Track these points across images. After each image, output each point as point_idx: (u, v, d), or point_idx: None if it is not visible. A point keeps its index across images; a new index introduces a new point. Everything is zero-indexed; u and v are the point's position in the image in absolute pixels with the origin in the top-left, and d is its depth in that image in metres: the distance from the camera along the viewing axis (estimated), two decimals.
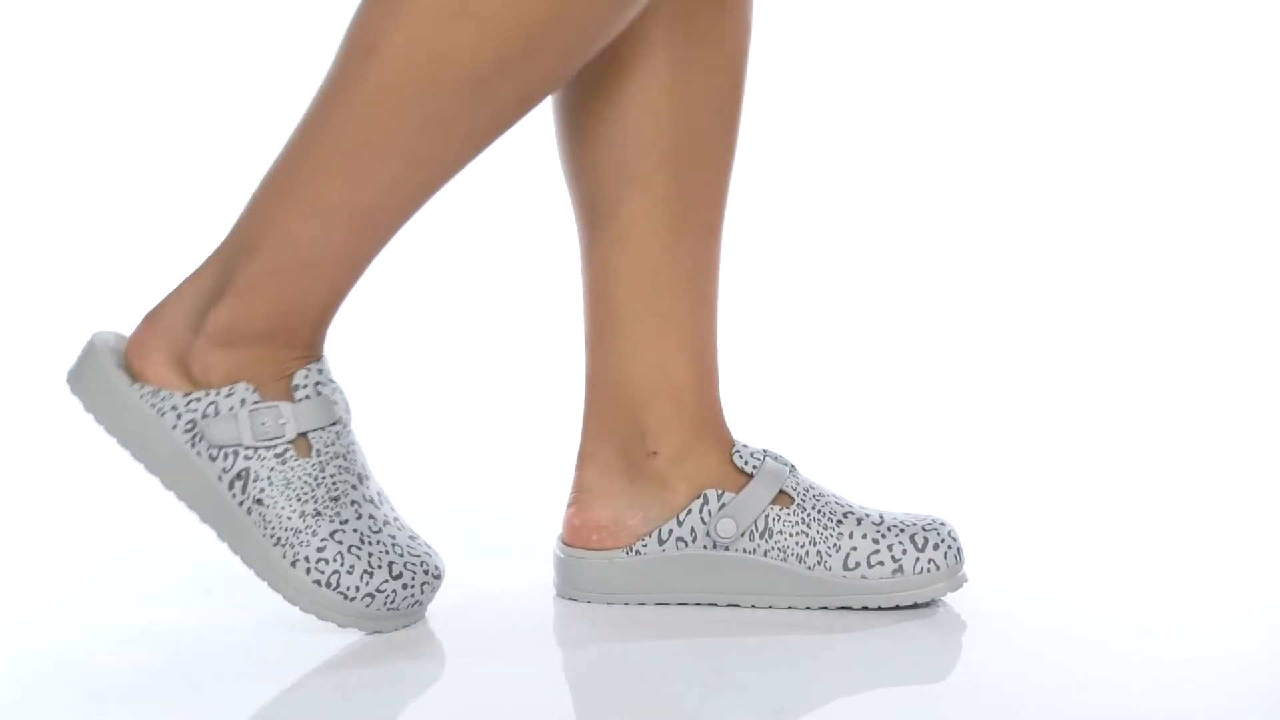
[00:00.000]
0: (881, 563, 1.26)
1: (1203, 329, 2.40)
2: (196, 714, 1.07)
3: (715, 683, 1.14)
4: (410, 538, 1.22)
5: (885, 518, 1.28)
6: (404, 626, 1.22)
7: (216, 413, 1.19)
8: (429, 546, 1.23)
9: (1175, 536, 1.55)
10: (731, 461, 1.29)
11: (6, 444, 1.94)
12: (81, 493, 1.70)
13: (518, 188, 2.37)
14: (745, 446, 1.29)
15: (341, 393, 1.22)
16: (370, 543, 1.19)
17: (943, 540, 1.27)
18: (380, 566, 1.19)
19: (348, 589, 1.18)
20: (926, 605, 1.27)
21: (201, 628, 1.23)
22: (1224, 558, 1.47)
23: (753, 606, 1.28)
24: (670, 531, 1.28)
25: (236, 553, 1.20)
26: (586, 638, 1.23)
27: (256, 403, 1.19)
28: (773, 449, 1.31)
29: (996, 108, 2.63)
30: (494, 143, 1.17)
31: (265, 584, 1.19)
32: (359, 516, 1.20)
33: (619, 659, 1.18)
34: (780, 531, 1.27)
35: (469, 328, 2.44)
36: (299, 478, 1.19)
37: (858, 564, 1.26)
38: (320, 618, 1.19)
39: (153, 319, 1.22)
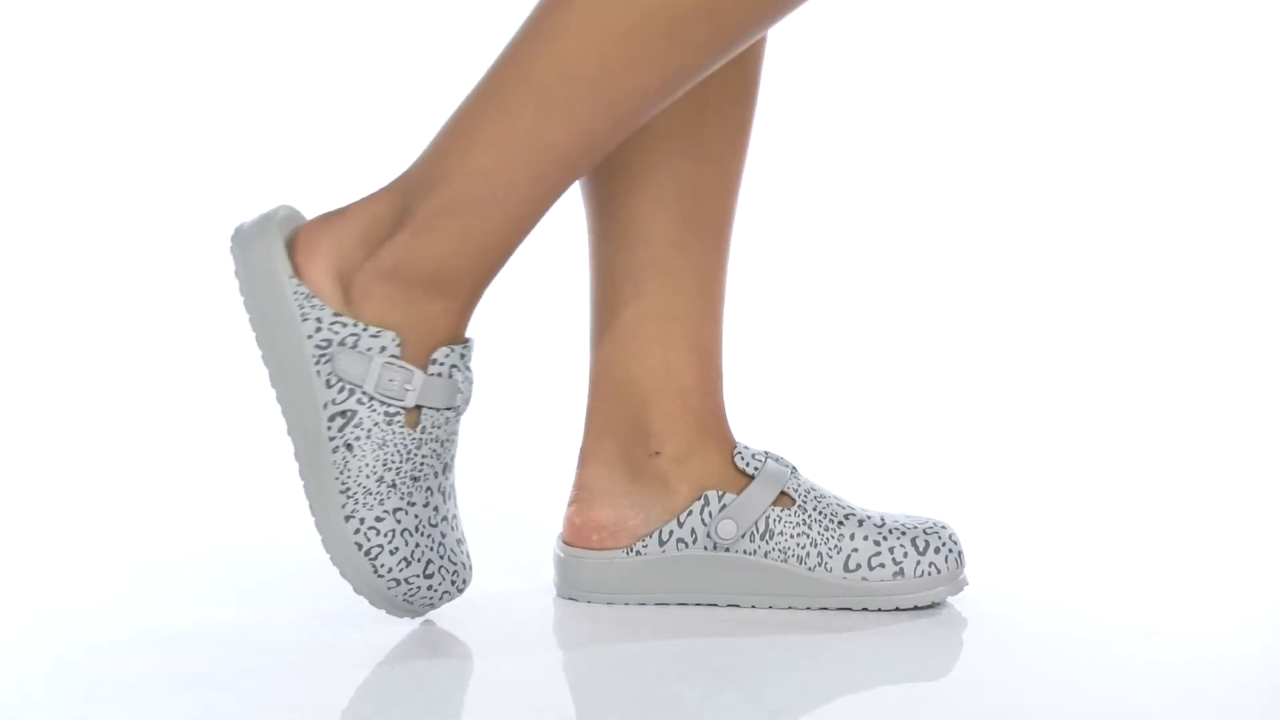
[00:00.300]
0: (882, 565, 1.26)
1: (1202, 330, 2.40)
2: (196, 714, 1.07)
3: (715, 683, 1.14)
4: (457, 541, 1.22)
5: (886, 520, 1.28)
6: (401, 618, 1.22)
7: (354, 346, 1.18)
8: (468, 557, 1.23)
9: (1176, 537, 1.55)
10: (733, 463, 1.29)
11: (8, 444, 1.94)
12: (82, 493, 1.70)
13: None
14: (747, 448, 1.29)
15: (471, 384, 1.22)
16: (422, 533, 1.19)
17: (944, 544, 1.27)
18: (418, 560, 1.19)
19: (380, 566, 1.18)
20: (927, 608, 1.27)
21: (200, 629, 1.23)
22: (1225, 558, 1.47)
23: (753, 607, 1.27)
24: (671, 532, 1.28)
25: (302, 477, 1.19)
26: (586, 638, 1.23)
27: (394, 357, 1.18)
28: (774, 451, 1.31)
29: (997, 110, 2.63)
30: (679, 93, 1.17)
31: (311, 518, 1.19)
32: (425, 504, 1.20)
33: (619, 659, 1.18)
34: (781, 533, 1.27)
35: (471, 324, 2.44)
36: (395, 444, 1.18)
37: (858, 566, 1.26)
38: (341, 575, 1.19)
39: (328, 224, 1.20)
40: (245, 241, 1.21)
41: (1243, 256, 2.52)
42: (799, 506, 1.27)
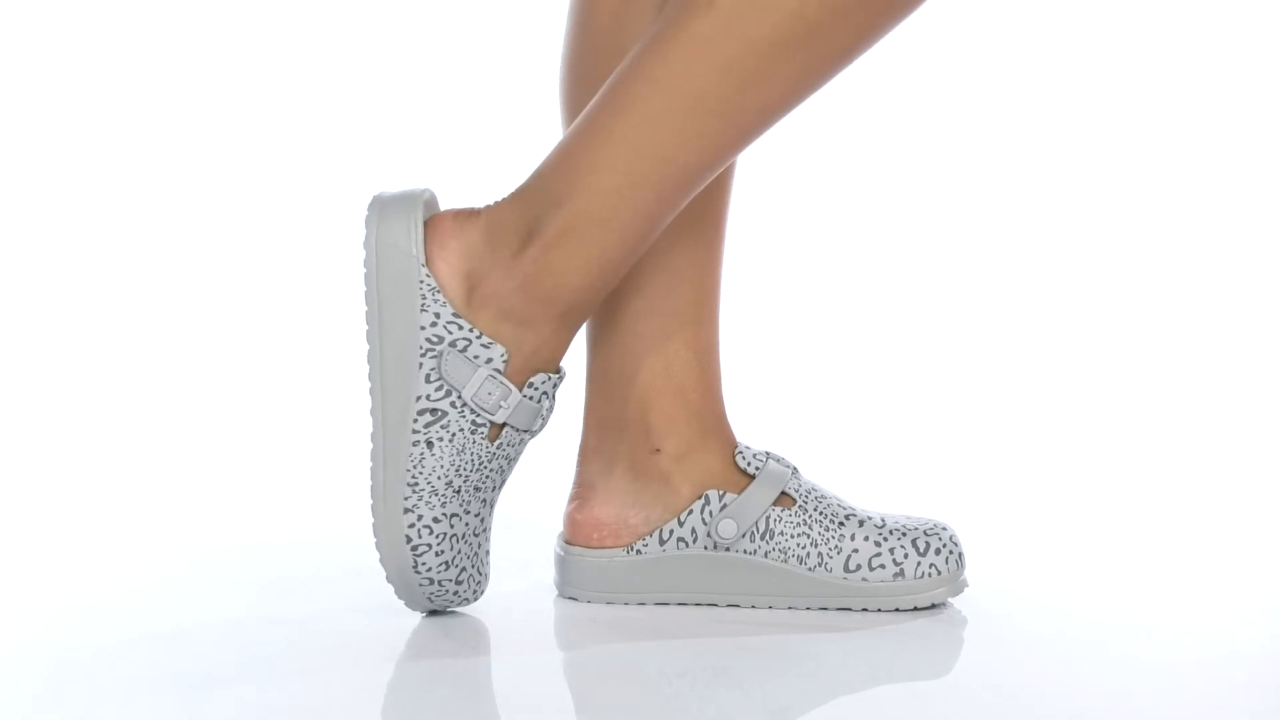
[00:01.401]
0: (883, 566, 1.26)
1: (1202, 330, 2.40)
2: (196, 714, 1.07)
3: (715, 683, 1.14)
4: (486, 553, 1.24)
5: (887, 521, 1.28)
6: (411, 610, 1.23)
7: (464, 350, 1.19)
8: (488, 570, 1.25)
9: (1176, 536, 1.55)
10: (734, 462, 1.29)
11: (11, 444, 1.94)
12: (81, 493, 1.70)
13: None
14: (748, 448, 1.29)
15: (551, 412, 1.23)
16: (466, 541, 1.21)
17: (944, 545, 1.27)
18: (455, 566, 1.21)
19: (421, 564, 1.20)
20: (927, 608, 1.27)
21: (200, 629, 1.23)
22: (1225, 557, 1.47)
23: (753, 607, 1.27)
24: (671, 531, 1.28)
25: (371, 458, 1.20)
26: (586, 638, 1.23)
27: (497, 371, 1.19)
28: (775, 451, 1.31)
29: (997, 111, 2.63)
30: (800, 104, 1.18)
31: (370, 500, 1.21)
32: (477, 516, 1.22)
33: (619, 659, 1.18)
34: (781, 533, 1.27)
35: None
36: (472, 453, 1.20)
37: (859, 566, 1.26)
38: (380, 559, 1.20)
39: (462, 222, 1.21)
40: (385, 213, 1.21)
41: (1242, 256, 2.52)
42: (799, 507, 1.27)
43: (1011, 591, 1.33)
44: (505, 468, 1.22)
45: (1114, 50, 2.64)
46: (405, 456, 1.19)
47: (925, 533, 1.27)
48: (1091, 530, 1.57)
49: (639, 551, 1.28)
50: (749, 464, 1.28)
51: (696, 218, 1.28)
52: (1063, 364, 2.31)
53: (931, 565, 1.26)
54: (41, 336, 2.32)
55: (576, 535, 1.30)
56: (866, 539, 1.26)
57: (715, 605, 1.28)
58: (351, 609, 1.25)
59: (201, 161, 2.55)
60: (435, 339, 1.19)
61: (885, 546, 1.26)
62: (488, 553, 1.25)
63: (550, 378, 1.21)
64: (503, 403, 1.20)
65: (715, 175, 1.20)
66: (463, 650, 1.19)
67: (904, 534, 1.27)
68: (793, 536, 1.26)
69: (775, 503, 1.27)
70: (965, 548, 1.30)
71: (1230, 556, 1.48)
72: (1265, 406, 2.13)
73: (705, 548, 1.27)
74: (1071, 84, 2.64)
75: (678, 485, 1.28)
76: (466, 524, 1.21)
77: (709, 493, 1.27)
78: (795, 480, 1.28)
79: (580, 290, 1.19)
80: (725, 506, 1.27)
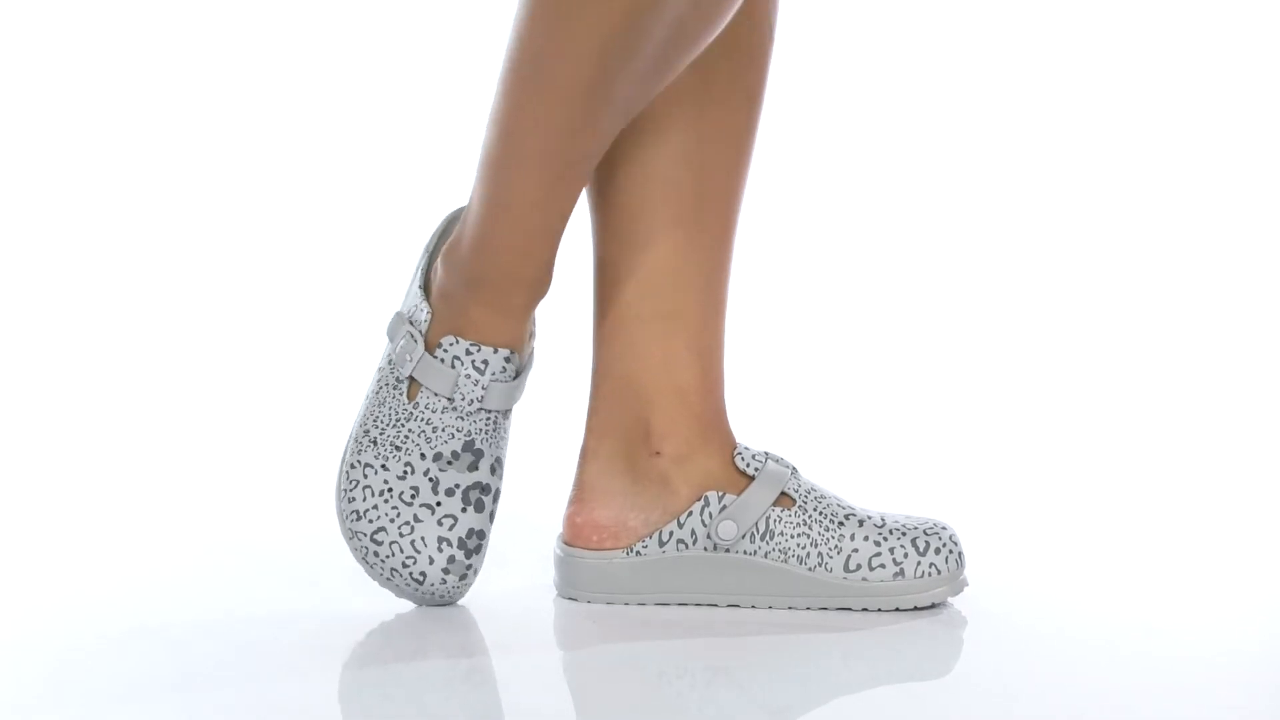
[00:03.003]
0: (883, 565, 1.26)
1: (1203, 328, 2.39)
2: (195, 714, 1.07)
3: (715, 683, 1.14)
4: (440, 540, 1.25)
5: (887, 520, 1.28)
6: (392, 596, 1.26)
7: (404, 310, 1.29)
8: (449, 568, 1.25)
9: (1176, 536, 1.55)
10: (733, 463, 1.29)
11: (9, 444, 1.94)
12: (81, 494, 1.70)
13: None
14: (747, 449, 1.29)
15: (484, 390, 1.25)
16: (387, 502, 1.26)
17: (944, 544, 1.27)
18: (369, 520, 1.26)
19: (339, 507, 1.27)
20: (927, 608, 1.27)
21: (199, 628, 1.23)
22: (1226, 557, 1.47)
23: (753, 607, 1.27)
24: (671, 533, 1.28)
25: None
26: (586, 638, 1.23)
27: (416, 332, 1.27)
28: (774, 451, 1.31)
29: (996, 110, 2.63)
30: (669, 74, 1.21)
31: None
32: (401, 478, 1.26)
33: (619, 659, 1.18)
34: (781, 533, 1.27)
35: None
36: (390, 407, 1.27)
37: (859, 566, 1.26)
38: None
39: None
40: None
41: (1242, 256, 2.52)
42: (799, 507, 1.27)
43: (1011, 591, 1.33)
44: (430, 436, 1.25)
45: (1114, 50, 2.64)
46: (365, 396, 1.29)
47: (925, 532, 1.27)
48: (1091, 530, 1.57)
49: (639, 553, 1.28)
50: (748, 465, 1.28)
51: (703, 222, 1.29)
52: (1061, 362, 2.31)
53: (931, 565, 1.26)
54: (40, 338, 2.32)
55: (576, 537, 1.30)
56: (866, 539, 1.26)
57: (715, 605, 1.28)
58: (350, 609, 1.25)
59: (198, 161, 2.55)
60: (403, 310, 1.29)
61: (885, 546, 1.26)
62: (442, 542, 1.25)
63: (460, 342, 1.24)
64: (408, 356, 1.25)
65: (602, 152, 1.23)
66: (462, 650, 1.19)
67: (904, 533, 1.27)
68: (792, 537, 1.26)
69: (775, 503, 1.28)
70: (965, 547, 1.30)
71: (1231, 556, 1.48)
72: (1265, 406, 2.13)
73: (705, 549, 1.27)
74: (1071, 83, 2.64)
75: (677, 487, 1.28)
76: (386, 482, 1.25)
77: (708, 494, 1.28)
78: (795, 480, 1.28)
79: (471, 262, 1.24)
80: (725, 508, 1.27)
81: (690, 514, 1.27)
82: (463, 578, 1.25)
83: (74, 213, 2.52)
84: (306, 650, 1.17)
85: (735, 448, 1.29)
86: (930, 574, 1.26)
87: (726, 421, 1.31)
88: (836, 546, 1.26)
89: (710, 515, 1.27)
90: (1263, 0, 2.61)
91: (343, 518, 1.26)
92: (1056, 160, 2.62)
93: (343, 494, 1.26)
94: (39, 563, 1.44)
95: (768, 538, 1.26)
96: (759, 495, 1.27)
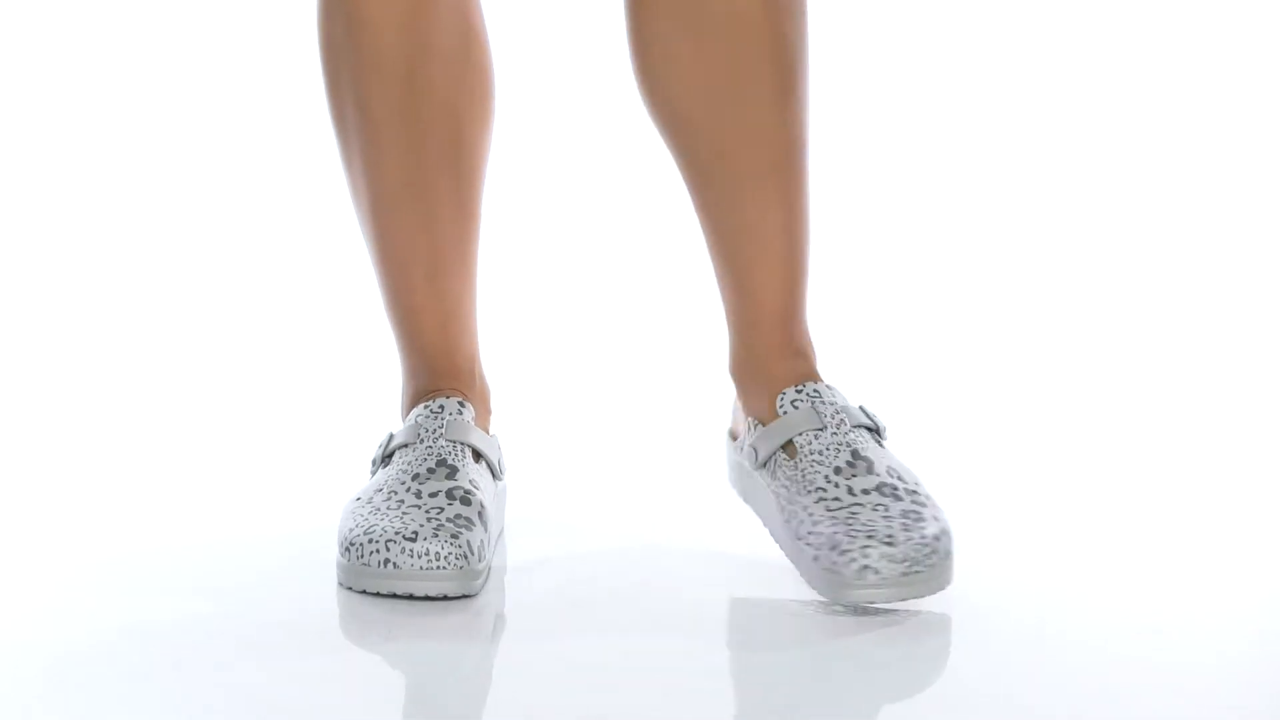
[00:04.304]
0: (830, 551, 1.24)
1: (1203, 327, 2.39)
2: (195, 713, 1.07)
3: (716, 683, 1.14)
4: (407, 518, 1.28)
5: (860, 514, 1.26)
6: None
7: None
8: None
9: (1177, 535, 1.54)
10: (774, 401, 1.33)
11: (8, 444, 1.94)
12: (80, 493, 1.70)
13: (526, 188, 2.38)
14: (800, 388, 1.33)
15: (442, 421, 1.37)
16: (363, 501, 1.32)
17: (912, 551, 1.23)
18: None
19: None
20: (869, 609, 1.26)
21: (199, 628, 1.23)
22: (1226, 556, 1.47)
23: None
24: (745, 442, 1.35)
25: None
26: (584, 637, 1.23)
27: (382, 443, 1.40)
28: (859, 406, 1.34)
29: (996, 110, 2.63)
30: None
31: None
32: (381, 497, 1.31)
33: (620, 658, 1.17)
34: (774, 477, 1.31)
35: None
36: (370, 482, 1.36)
37: (805, 538, 1.26)
38: None
39: None
40: None
41: (1242, 256, 2.52)
42: (795, 462, 1.30)
43: (1009, 591, 1.33)
44: (407, 468, 1.33)
45: (1114, 49, 2.64)
46: None
47: (893, 533, 1.24)
48: (1091, 529, 1.57)
49: (741, 449, 1.36)
50: (781, 406, 1.32)
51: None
52: (1061, 361, 2.31)
53: (870, 567, 1.23)
54: (38, 338, 2.32)
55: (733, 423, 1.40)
56: (821, 519, 1.26)
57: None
58: (348, 608, 1.25)
59: (198, 162, 2.55)
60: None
61: (830, 532, 1.25)
62: (433, 519, 1.28)
63: (427, 406, 1.39)
64: (390, 435, 1.40)
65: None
66: (462, 649, 1.19)
67: (868, 531, 1.24)
68: (781, 484, 1.30)
69: (784, 448, 1.31)
70: (946, 559, 1.25)
71: (1231, 556, 1.48)
72: (1265, 406, 2.13)
73: (749, 464, 1.34)
74: (1070, 85, 2.64)
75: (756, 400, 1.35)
76: (370, 502, 1.32)
77: (749, 419, 1.35)
78: (809, 436, 1.30)
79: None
80: (756, 433, 1.33)
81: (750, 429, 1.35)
82: (455, 536, 1.25)
83: (73, 213, 2.53)
84: (305, 649, 1.17)
85: (781, 389, 1.33)
86: (866, 575, 1.23)
87: (789, 354, 1.35)
88: (795, 513, 1.27)
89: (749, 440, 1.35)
90: (1263, 0, 2.62)
91: (340, 552, 1.29)
92: (1050, 159, 2.62)
93: (341, 543, 1.29)
94: (38, 563, 1.44)
95: (773, 474, 1.31)
96: (770, 436, 1.32)
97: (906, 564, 1.22)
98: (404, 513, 1.28)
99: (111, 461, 1.84)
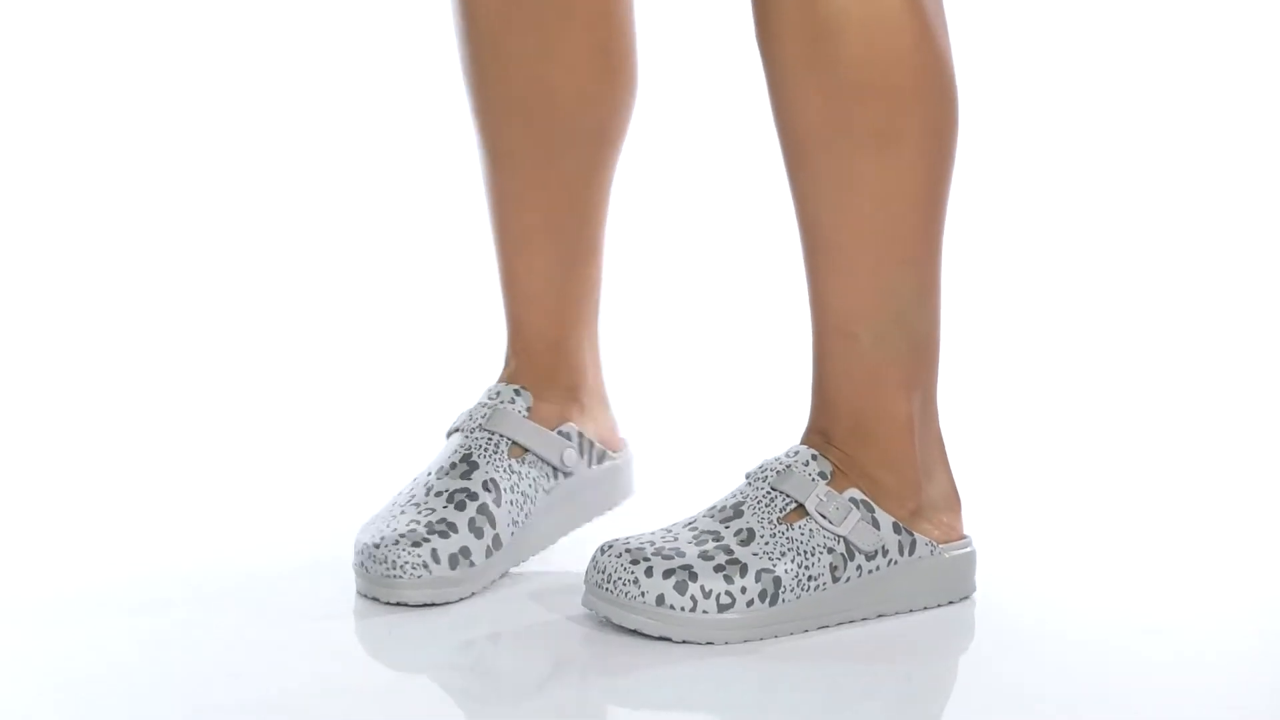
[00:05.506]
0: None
1: (1205, 327, 2.39)
2: (193, 713, 1.07)
3: (716, 683, 1.14)
4: (394, 521, 1.29)
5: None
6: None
7: None
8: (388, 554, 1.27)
9: (1177, 535, 1.54)
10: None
11: (6, 444, 1.94)
12: (79, 493, 1.70)
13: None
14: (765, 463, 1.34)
15: (488, 408, 1.35)
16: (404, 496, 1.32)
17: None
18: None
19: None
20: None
21: (197, 627, 1.23)
22: (1226, 556, 1.47)
23: None
24: None
25: None
26: (588, 640, 1.23)
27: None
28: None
29: (993, 109, 2.63)
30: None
31: None
32: (404, 490, 1.33)
33: (622, 663, 1.17)
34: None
35: (473, 326, 2.44)
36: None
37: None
38: None
39: None
40: None
41: (1243, 256, 2.53)
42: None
43: (1012, 591, 1.33)
44: (440, 457, 1.33)
45: (1114, 49, 2.64)
46: None
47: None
48: (1091, 529, 1.57)
49: None
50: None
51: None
52: (1061, 361, 2.31)
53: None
54: (36, 338, 2.32)
55: None
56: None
57: None
58: (345, 607, 1.26)
59: (199, 162, 2.55)
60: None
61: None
62: (413, 523, 1.28)
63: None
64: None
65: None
66: (461, 650, 1.19)
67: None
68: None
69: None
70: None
71: (1231, 556, 1.48)
72: (1265, 406, 2.13)
73: None
74: (1070, 84, 2.64)
75: None
76: (393, 499, 1.33)
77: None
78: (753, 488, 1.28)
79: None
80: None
81: None
82: (416, 545, 1.25)
83: (74, 213, 2.53)
84: (303, 649, 1.17)
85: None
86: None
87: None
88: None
89: None
90: (1263, 1, 2.62)
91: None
92: (1049, 158, 2.62)
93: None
94: (38, 563, 1.44)
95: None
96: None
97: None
98: (400, 513, 1.29)
99: (114, 463, 1.84)
